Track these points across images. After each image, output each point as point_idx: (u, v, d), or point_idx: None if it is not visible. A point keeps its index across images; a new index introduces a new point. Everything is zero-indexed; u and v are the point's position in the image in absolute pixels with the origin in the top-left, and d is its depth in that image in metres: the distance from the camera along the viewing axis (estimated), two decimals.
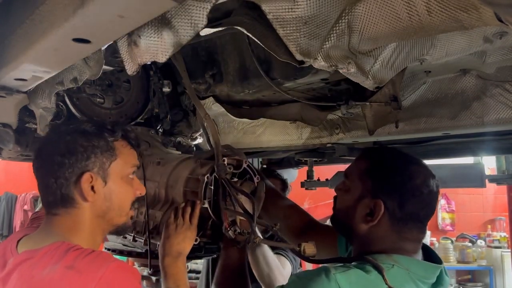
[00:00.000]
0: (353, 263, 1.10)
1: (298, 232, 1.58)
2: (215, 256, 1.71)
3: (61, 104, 1.93)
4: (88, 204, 1.10)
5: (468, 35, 1.05)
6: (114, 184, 1.13)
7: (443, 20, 0.86)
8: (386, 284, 1.00)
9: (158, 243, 1.39)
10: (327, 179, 2.41)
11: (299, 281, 1.08)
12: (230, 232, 1.37)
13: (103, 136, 1.12)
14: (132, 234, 1.67)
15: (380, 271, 1.02)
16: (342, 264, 1.11)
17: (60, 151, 1.07)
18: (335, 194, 1.33)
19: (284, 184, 2.46)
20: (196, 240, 1.41)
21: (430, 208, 1.16)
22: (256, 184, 1.51)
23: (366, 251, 1.13)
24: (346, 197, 1.23)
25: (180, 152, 2.12)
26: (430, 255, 1.19)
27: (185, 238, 1.35)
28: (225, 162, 1.45)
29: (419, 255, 1.16)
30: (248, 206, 1.41)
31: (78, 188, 1.08)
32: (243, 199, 1.43)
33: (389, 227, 1.13)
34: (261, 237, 1.35)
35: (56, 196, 1.08)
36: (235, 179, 1.51)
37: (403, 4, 0.89)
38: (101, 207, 1.12)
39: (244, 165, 1.51)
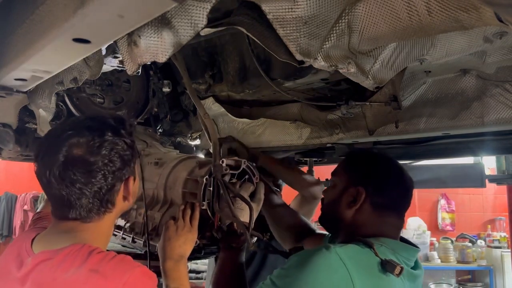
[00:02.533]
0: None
1: (294, 235, 1.68)
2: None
3: (61, 104, 1.93)
4: (121, 205, 1.12)
5: (468, 35, 1.05)
6: (137, 180, 1.17)
7: (443, 20, 0.86)
8: (377, 256, 1.12)
9: (157, 244, 1.39)
10: (327, 179, 2.41)
11: (299, 258, 1.14)
12: (219, 233, 1.40)
13: (129, 138, 1.11)
14: (131, 236, 1.67)
15: (370, 246, 1.14)
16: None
17: (98, 161, 1.03)
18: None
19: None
20: (196, 242, 1.41)
21: (405, 199, 1.31)
22: (255, 185, 1.51)
23: (351, 237, 1.23)
24: (333, 191, 1.36)
25: (178, 151, 2.12)
26: (406, 242, 1.30)
27: (186, 241, 1.35)
28: (224, 163, 1.44)
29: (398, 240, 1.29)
30: (247, 210, 1.41)
31: (120, 193, 1.09)
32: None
33: (371, 212, 1.26)
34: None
35: (87, 204, 1.04)
36: (234, 180, 1.51)
37: (403, 4, 0.89)
38: (128, 204, 1.14)
39: (243, 166, 1.51)
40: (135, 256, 1.74)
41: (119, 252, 1.76)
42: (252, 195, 1.48)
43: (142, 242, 1.62)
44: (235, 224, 1.38)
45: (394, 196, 1.28)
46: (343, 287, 1.05)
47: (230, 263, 1.39)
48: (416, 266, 1.26)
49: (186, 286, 1.29)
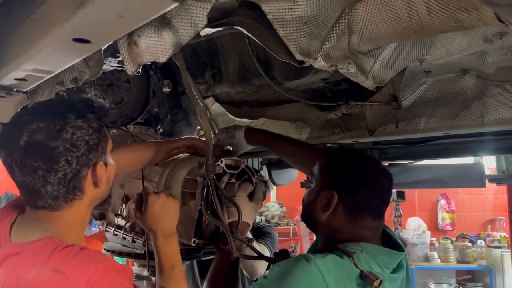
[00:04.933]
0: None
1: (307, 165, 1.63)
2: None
3: None
4: (92, 192, 1.06)
5: (468, 35, 1.05)
6: (109, 164, 1.11)
7: (443, 20, 0.86)
8: (357, 267, 1.11)
9: (139, 219, 1.33)
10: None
11: (280, 268, 1.13)
12: (208, 233, 1.41)
13: (97, 122, 1.05)
14: (131, 235, 1.67)
15: (350, 255, 1.13)
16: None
17: (59, 146, 0.97)
18: None
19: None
20: (194, 241, 1.41)
21: (380, 198, 1.27)
22: (254, 184, 1.51)
23: (330, 241, 1.24)
24: (309, 192, 1.34)
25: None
26: (392, 243, 1.29)
27: (175, 213, 1.30)
28: (223, 163, 1.44)
29: (378, 243, 1.27)
30: (248, 208, 1.41)
31: (88, 179, 1.04)
32: (241, 199, 1.43)
33: (344, 216, 1.24)
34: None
35: (52, 191, 0.99)
36: (233, 180, 1.51)
37: (403, 4, 0.89)
38: (100, 191, 1.08)
39: (242, 166, 1.51)
40: (135, 256, 1.75)
41: (119, 253, 1.77)
42: (252, 195, 1.48)
43: (142, 241, 1.62)
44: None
45: (368, 197, 1.24)
46: None
47: (222, 263, 1.39)
48: (396, 269, 1.25)
49: (179, 261, 1.27)
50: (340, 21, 0.96)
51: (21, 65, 1.09)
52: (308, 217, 1.35)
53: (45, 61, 1.06)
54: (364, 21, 0.96)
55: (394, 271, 1.24)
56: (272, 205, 5.97)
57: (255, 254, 1.43)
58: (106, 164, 1.08)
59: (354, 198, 1.24)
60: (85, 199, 1.05)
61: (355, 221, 1.23)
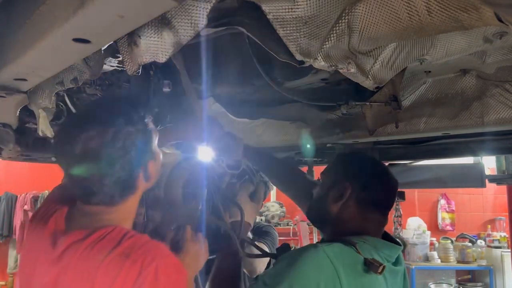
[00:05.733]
0: None
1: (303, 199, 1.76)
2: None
3: (61, 104, 1.93)
4: (144, 185, 1.14)
5: (468, 35, 1.05)
6: (157, 157, 1.18)
7: (443, 20, 0.86)
8: (359, 253, 1.17)
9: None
10: (318, 179, 2.40)
11: (290, 257, 1.16)
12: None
13: (142, 123, 1.12)
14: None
15: (353, 245, 1.19)
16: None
17: (113, 153, 1.04)
18: None
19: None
20: None
21: (389, 198, 1.38)
22: (255, 185, 1.51)
23: (338, 233, 1.30)
24: (321, 188, 1.42)
25: (179, 151, 2.12)
26: (390, 239, 1.35)
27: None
28: (224, 163, 1.44)
29: (379, 237, 1.34)
30: (249, 208, 1.42)
31: (141, 176, 1.11)
32: (242, 199, 1.43)
33: (356, 208, 1.31)
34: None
35: (109, 191, 1.07)
36: (234, 180, 1.51)
37: (403, 4, 0.89)
38: (151, 183, 1.16)
39: (243, 166, 1.51)
40: None
41: None
42: (252, 195, 1.48)
43: None
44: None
45: (379, 194, 1.34)
46: (330, 286, 1.08)
47: (225, 263, 1.39)
48: (397, 262, 1.31)
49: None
50: (340, 21, 0.96)
51: (21, 65, 1.09)
52: (317, 210, 1.41)
53: (45, 61, 1.06)
54: (364, 21, 0.96)
55: (395, 264, 1.29)
56: (272, 205, 5.97)
57: (257, 253, 1.43)
58: (155, 159, 1.15)
59: (367, 192, 1.32)
60: (137, 193, 1.13)
61: (365, 214, 1.31)
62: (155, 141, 1.17)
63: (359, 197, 1.31)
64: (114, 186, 1.06)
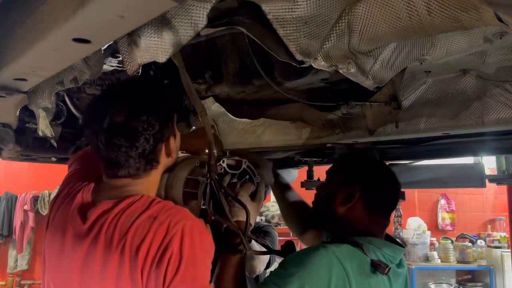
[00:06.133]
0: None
1: (301, 226, 1.87)
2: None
3: (61, 104, 1.93)
4: (165, 161, 1.22)
5: (468, 35, 1.05)
6: (177, 135, 1.27)
7: (443, 20, 0.86)
8: (366, 255, 1.20)
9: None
10: (318, 179, 2.41)
11: (298, 257, 1.19)
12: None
13: (165, 100, 1.22)
14: None
15: (359, 246, 1.22)
16: None
17: (138, 126, 1.12)
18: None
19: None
20: None
21: (394, 201, 1.43)
22: (256, 185, 1.51)
23: (343, 233, 1.32)
24: (328, 188, 1.45)
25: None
26: (392, 241, 1.39)
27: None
28: (225, 163, 1.44)
29: (382, 239, 1.38)
30: (250, 208, 1.41)
31: (163, 151, 1.20)
32: (243, 198, 1.43)
33: (362, 211, 1.34)
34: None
35: (135, 164, 1.14)
36: (235, 180, 1.51)
37: (403, 4, 0.89)
38: (171, 159, 1.25)
39: (244, 166, 1.51)
40: None
41: None
42: (253, 195, 1.48)
43: None
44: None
45: (385, 197, 1.38)
46: (341, 285, 1.10)
47: (229, 263, 1.38)
48: (400, 264, 1.33)
49: None
50: (340, 21, 0.96)
51: (21, 65, 1.09)
52: (323, 211, 1.44)
53: (45, 61, 1.07)
54: (364, 21, 0.96)
55: (398, 266, 1.32)
56: (272, 205, 5.97)
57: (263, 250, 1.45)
58: (175, 136, 1.24)
59: (375, 196, 1.36)
60: (159, 168, 1.22)
61: (370, 217, 1.34)
62: (175, 118, 1.25)
63: (367, 201, 1.33)
64: (139, 159, 1.14)
